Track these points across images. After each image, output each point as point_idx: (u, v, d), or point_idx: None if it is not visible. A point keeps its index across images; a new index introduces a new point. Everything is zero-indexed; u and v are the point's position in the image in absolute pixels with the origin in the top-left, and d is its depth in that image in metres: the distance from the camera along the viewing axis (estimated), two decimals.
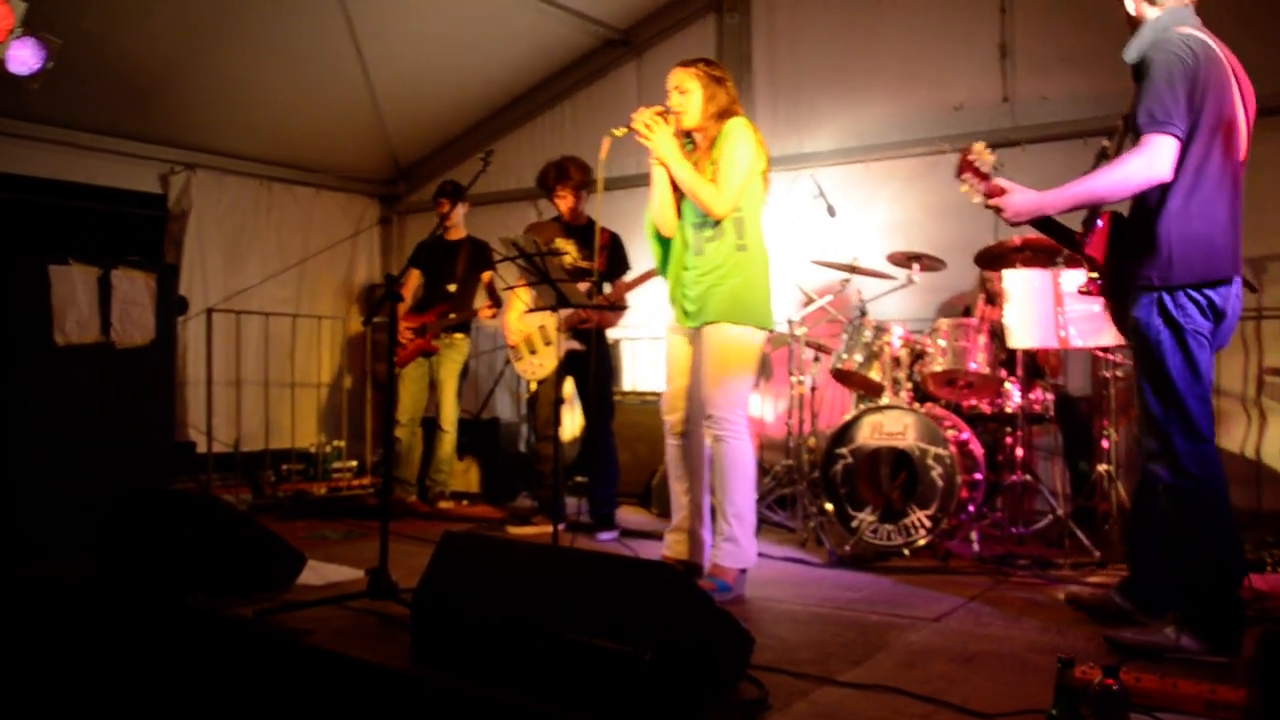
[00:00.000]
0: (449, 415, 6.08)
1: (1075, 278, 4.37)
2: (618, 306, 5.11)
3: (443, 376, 6.07)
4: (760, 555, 4.45)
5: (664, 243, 4.01)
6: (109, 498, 4.22)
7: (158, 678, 3.18)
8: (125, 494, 4.21)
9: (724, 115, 3.80)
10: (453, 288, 6.01)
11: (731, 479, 3.74)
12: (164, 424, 5.39)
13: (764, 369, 5.79)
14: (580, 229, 5.28)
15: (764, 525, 5.27)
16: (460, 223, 6.17)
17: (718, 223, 3.77)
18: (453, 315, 5.97)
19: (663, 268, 4.04)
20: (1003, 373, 4.72)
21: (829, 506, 4.73)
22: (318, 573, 4.08)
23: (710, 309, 3.76)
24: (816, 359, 5.39)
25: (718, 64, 3.95)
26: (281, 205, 7.68)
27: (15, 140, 6.16)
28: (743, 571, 3.81)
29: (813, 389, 5.34)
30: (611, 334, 5.79)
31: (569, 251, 5.19)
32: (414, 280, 6.17)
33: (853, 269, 5.27)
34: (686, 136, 3.92)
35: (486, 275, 6.06)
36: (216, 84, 6.56)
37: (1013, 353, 4.64)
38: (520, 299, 5.22)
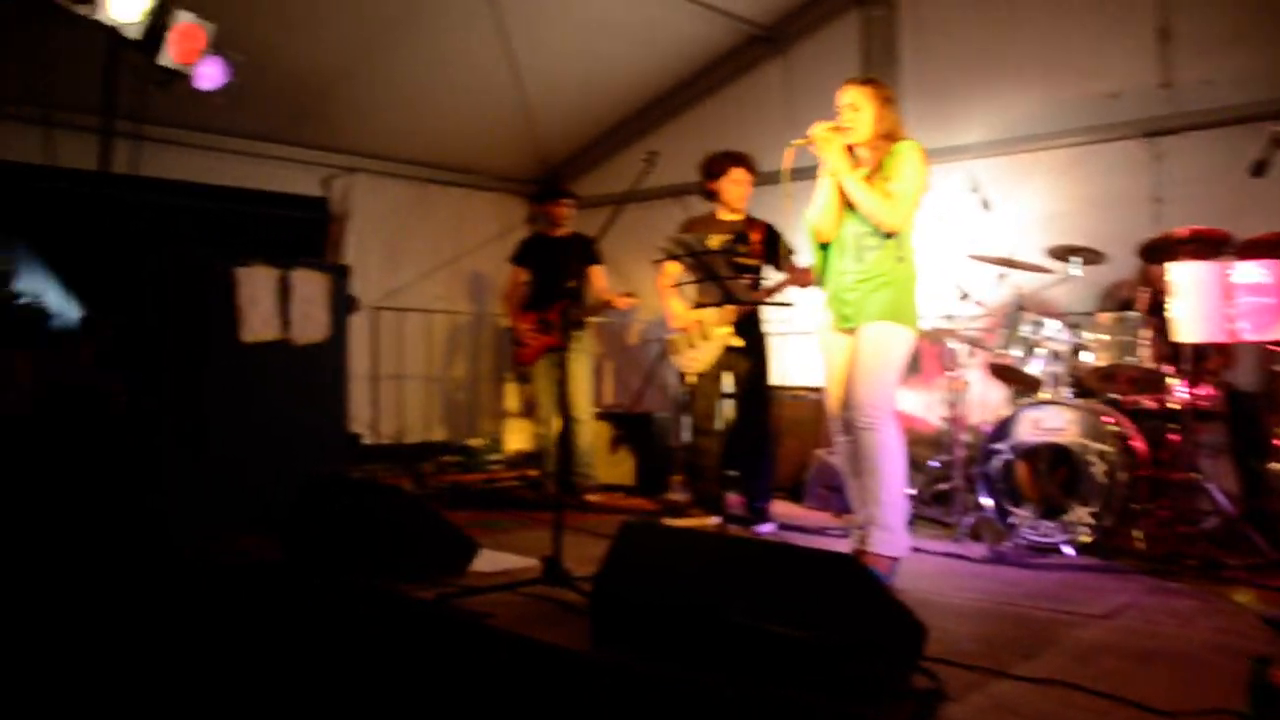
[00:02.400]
0: (582, 406, 6.21)
1: (1248, 269, 4.26)
2: (782, 303, 5.16)
3: (572, 369, 6.19)
4: (917, 549, 4.48)
5: (823, 249, 4.14)
6: (292, 484, 4.50)
7: (344, 655, 3.40)
8: (310, 480, 4.48)
9: (890, 136, 3.98)
10: (572, 283, 6.12)
11: (883, 468, 3.86)
12: (338, 416, 5.69)
13: (913, 365, 5.77)
14: (735, 226, 5.35)
15: (918, 521, 5.27)
16: (568, 219, 6.30)
17: (885, 234, 3.90)
18: (581, 309, 6.09)
19: (821, 273, 4.16)
20: (1167, 367, 4.62)
21: (986, 502, 4.71)
22: (489, 560, 4.26)
23: (869, 311, 3.93)
24: (972, 354, 5.35)
25: (888, 86, 4.12)
26: (435, 206, 8.00)
27: (200, 151, 6.59)
28: (895, 560, 3.89)
29: (967, 384, 5.31)
30: (765, 328, 5.84)
31: (724, 247, 5.25)
32: (520, 277, 6.34)
33: (1009, 263, 5.22)
34: (850, 152, 4.04)
35: (596, 269, 6.17)
36: (376, 91, 6.87)
37: (1177, 347, 4.53)
38: (680, 292, 5.31)
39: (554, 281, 6.11)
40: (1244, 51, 5.49)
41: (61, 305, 6.65)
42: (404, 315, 7.40)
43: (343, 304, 5.59)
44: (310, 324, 5.36)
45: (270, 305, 5.21)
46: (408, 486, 6.53)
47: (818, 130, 3.96)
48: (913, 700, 2.58)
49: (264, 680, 3.31)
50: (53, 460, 5.03)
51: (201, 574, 4.24)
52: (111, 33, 4.47)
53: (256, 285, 5.17)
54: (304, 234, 7.42)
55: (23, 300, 6.76)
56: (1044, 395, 4.74)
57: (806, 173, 4.24)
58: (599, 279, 6.18)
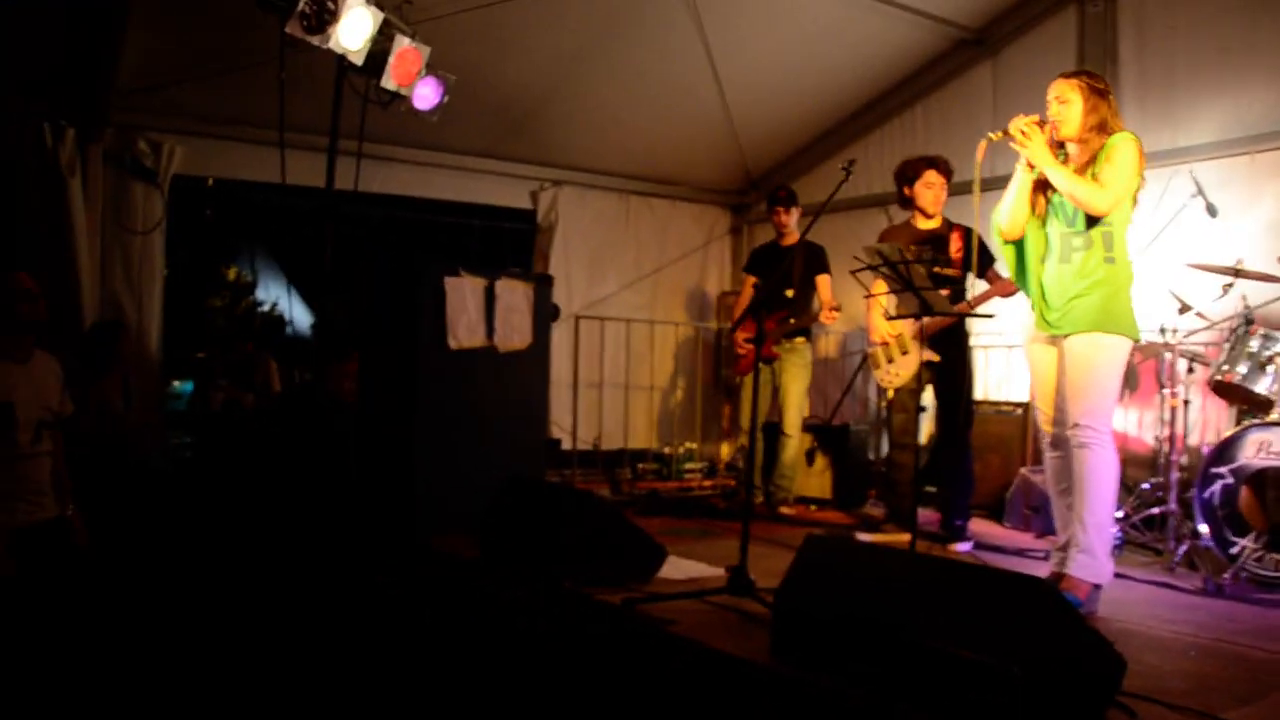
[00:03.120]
0: (793, 420, 6.15)
1: None
2: (984, 314, 5.00)
3: (785, 382, 6.16)
4: (1123, 577, 4.26)
5: (1017, 248, 3.99)
6: (494, 485, 4.68)
7: (529, 654, 3.51)
8: (509, 482, 4.66)
9: (1103, 128, 3.78)
10: (790, 293, 6.07)
11: (1093, 488, 3.66)
12: (539, 421, 5.89)
13: (1129, 380, 5.46)
14: (933, 234, 5.22)
15: (1128, 545, 4.99)
16: (795, 227, 6.25)
17: (1088, 231, 3.74)
18: (793, 320, 6.04)
19: (1019, 276, 4.01)
20: None
21: (1204, 529, 4.40)
22: (677, 567, 4.31)
23: (1077, 318, 3.74)
24: (1191, 370, 5.02)
25: (1101, 77, 3.91)
26: (639, 217, 8.16)
27: (414, 166, 6.97)
28: (1097, 587, 3.70)
29: (1186, 402, 4.98)
30: (970, 342, 5.66)
31: (922, 258, 5.13)
32: (749, 287, 6.33)
33: (1237, 272, 4.86)
34: (1059, 147, 3.88)
35: (823, 278, 6.10)
36: (583, 106, 7.08)
37: None
38: (880, 304, 5.23)
39: (777, 290, 6.08)
40: None
41: (296, 313, 7.15)
42: (605, 324, 7.58)
43: (545, 312, 5.78)
44: (513, 332, 5.57)
45: (476, 314, 5.44)
46: (603, 492, 6.68)
47: (1017, 123, 3.80)
48: None
49: (449, 673, 3.46)
50: (293, 453, 5.45)
51: (402, 570, 4.47)
52: (340, 59, 4.78)
53: (463, 294, 5.40)
54: (513, 244, 7.76)
55: (264, 308, 7.28)
56: (1274, 416, 4.39)
57: (1001, 181, 4.10)
58: (824, 289, 6.11)
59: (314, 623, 3.77)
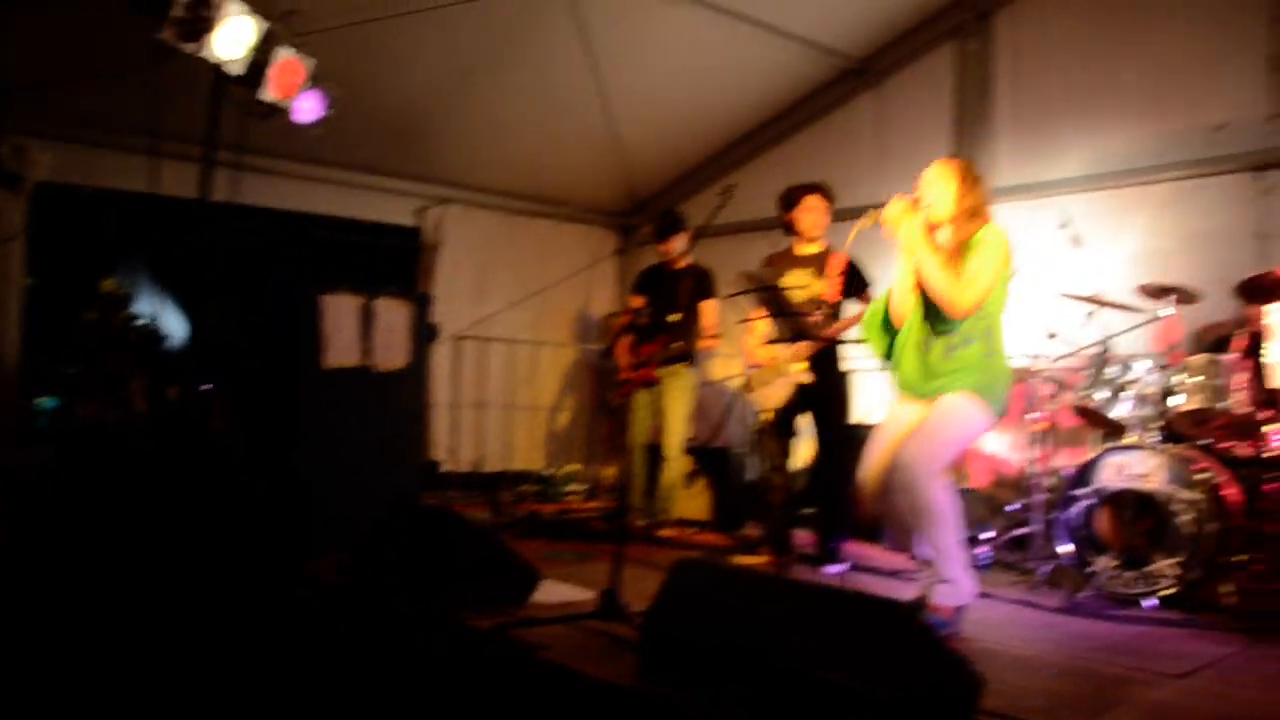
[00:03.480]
0: (673, 444, 6.16)
1: None
2: (844, 334, 5.10)
3: (666, 405, 6.16)
4: (989, 596, 4.36)
5: (891, 333, 4.03)
6: (370, 506, 4.58)
7: (399, 679, 3.43)
8: (384, 506, 4.56)
9: (974, 214, 3.84)
10: (675, 317, 6.08)
11: (933, 524, 3.71)
12: (418, 442, 5.79)
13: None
14: (814, 259, 5.29)
15: (995, 566, 5.11)
16: (683, 252, 6.27)
17: (969, 328, 3.78)
18: (675, 345, 6.06)
19: (886, 357, 4.06)
20: (1264, 413, 4.41)
21: (1065, 549, 4.54)
22: (552, 591, 4.26)
23: (958, 383, 3.79)
24: (1056, 395, 5.19)
25: (972, 164, 4.04)
26: (524, 236, 8.13)
27: (297, 180, 6.81)
28: (960, 609, 3.76)
29: (1050, 427, 5.14)
30: (846, 366, 5.75)
31: (806, 284, 5.20)
32: (634, 305, 6.33)
33: (1098, 301, 5.06)
34: (931, 232, 3.92)
35: (708, 303, 6.13)
36: (470, 124, 7.03)
37: (1274, 392, 4.32)
38: (757, 328, 5.28)
39: (661, 314, 6.07)
40: None
41: (172, 327, 6.94)
42: (488, 344, 7.50)
43: (425, 332, 5.69)
44: (392, 351, 5.47)
45: (353, 332, 5.33)
46: (484, 514, 6.59)
47: (891, 209, 3.85)
48: None
49: (316, 696, 3.37)
50: (157, 475, 5.25)
51: (273, 593, 4.33)
52: (216, 69, 4.65)
53: (341, 312, 5.30)
54: (396, 263, 7.63)
55: (139, 322, 7.06)
56: (1130, 439, 4.56)
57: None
58: (708, 314, 6.12)
59: (168, 651, 3.63)
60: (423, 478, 6.02)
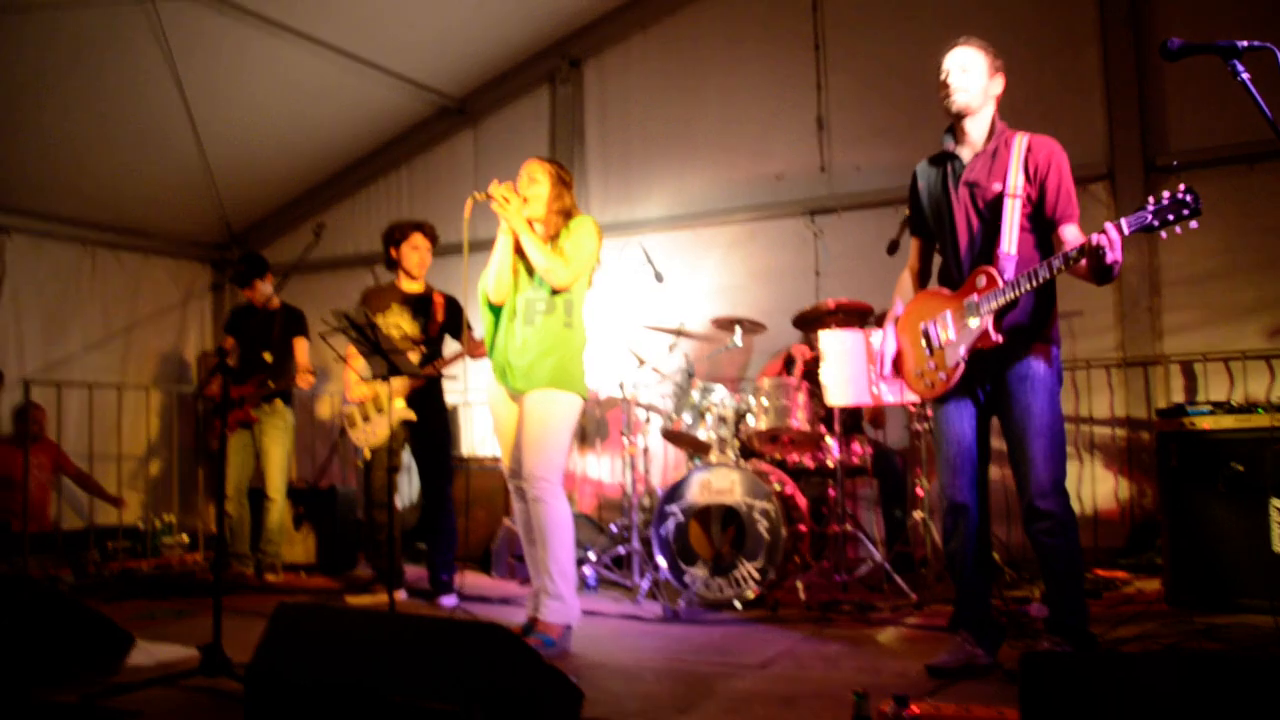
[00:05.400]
0: (276, 484, 5.97)
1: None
2: (445, 376, 5.19)
3: (266, 445, 5.96)
4: (595, 613, 4.61)
5: (495, 311, 4.18)
6: None
7: None
8: None
9: (566, 214, 4.12)
10: (268, 356, 5.89)
11: (552, 538, 3.91)
12: None
13: (598, 429, 5.95)
14: (417, 297, 5.32)
15: (601, 583, 5.39)
16: (270, 292, 6.06)
17: (551, 296, 4.01)
18: (271, 384, 5.88)
19: (492, 337, 4.19)
20: (822, 428, 4.99)
21: (662, 563, 4.88)
22: (148, 653, 3.96)
23: (536, 377, 3.98)
24: (649, 420, 5.56)
25: (567, 169, 4.27)
26: (106, 271, 7.49)
27: None
28: (568, 628, 3.93)
29: (645, 449, 5.50)
30: (450, 399, 5.82)
31: (402, 324, 5.22)
32: (230, 347, 6.07)
33: (679, 333, 5.50)
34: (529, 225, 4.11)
35: (300, 341, 6.01)
36: (37, 143, 6.37)
37: (832, 409, 4.91)
38: (354, 368, 5.23)
39: (254, 353, 5.87)
40: (886, 143, 6.11)
41: None
42: (63, 389, 6.81)
43: None
44: None
45: None
46: (68, 576, 5.98)
47: (498, 190, 4.01)
48: None
49: None
50: None
51: None
52: None
53: None
54: None
55: None
56: (713, 458, 4.99)
57: (485, 244, 4.29)
58: (301, 353, 5.96)
59: None
60: None
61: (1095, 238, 2.98)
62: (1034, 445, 3.26)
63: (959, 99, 3.37)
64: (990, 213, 3.34)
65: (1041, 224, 3.34)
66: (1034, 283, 3.15)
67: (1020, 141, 3.36)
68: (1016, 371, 3.31)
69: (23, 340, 6.85)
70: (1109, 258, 2.97)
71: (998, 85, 3.42)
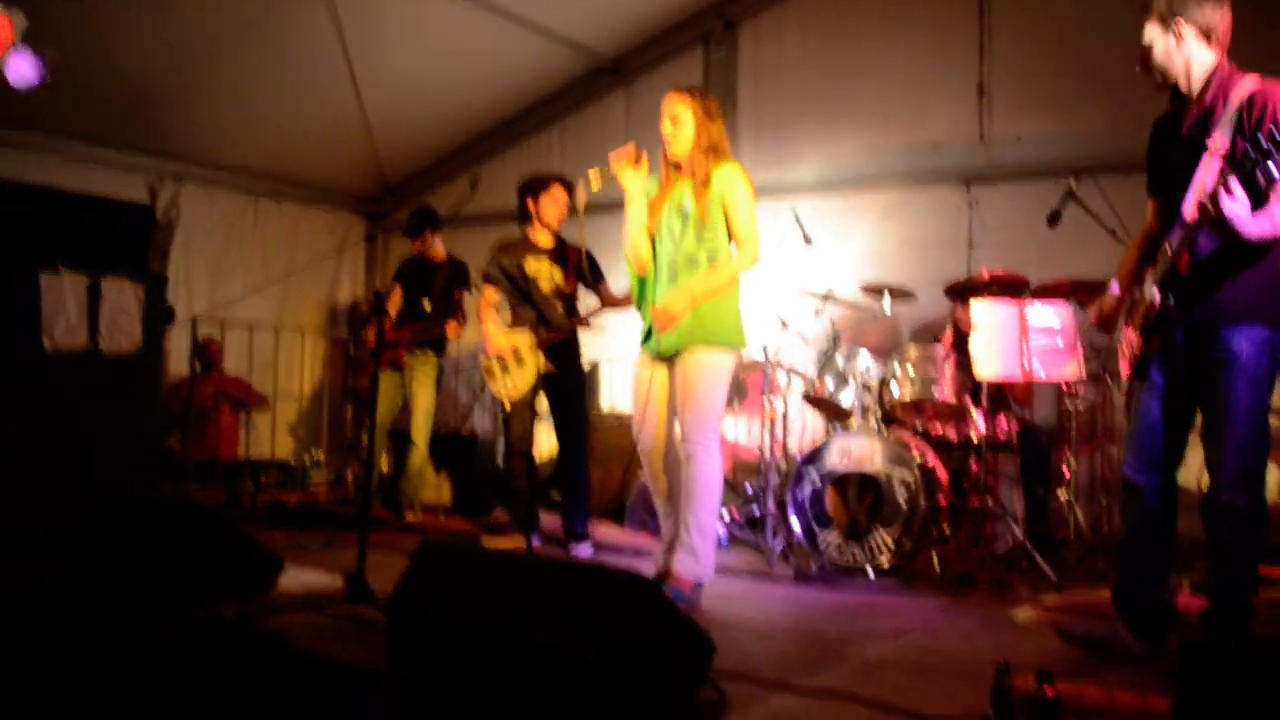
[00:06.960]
0: (420, 429, 6.17)
1: (1041, 312, 4.54)
2: (586, 323, 5.24)
3: (414, 390, 6.17)
4: (728, 572, 4.61)
5: (640, 279, 4.16)
6: (93, 501, 4.29)
7: (135, 677, 3.26)
8: (99, 504, 4.27)
9: (712, 150, 3.94)
10: (428, 305, 6.09)
11: (698, 495, 3.88)
12: (149, 431, 5.46)
13: (738, 390, 5.92)
14: (553, 250, 5.37)
15: (734, 543, 5.39)
16: (439, 245, 6.27)
17: (694, 253, 3.93)
18: (425, 331, 6.06)
19: (639, 300, 4.17)
20: (968, 401, 4.87)
21: (796, 525, 4.86)
22: (296, 579, 4.16)
23: (685, 334, 3.92)
24: (789, 384, 5.52)
25: (713, 98, 4.07)
26: (268, 220, 7.81)
27: (15, 150, 6.26)
28: (699, 584, 3.93)
29: (785, 413, 5.46)
30: (589, 357, 5.88)
31: (554, 275, 5.28)
32: (398, 296, 6.28)
33: (828, 298, 5.42)
34: (675, 167, 4.03)
35: (463, 295, 6.16)
36: (209, 98, 6.69)
37: (978, 382, 4.78)
38: (495, 316, 5.31)
39: (416, 302, 6.10)
40: (1051, 113, 5.87)
41: None
42: (226, 329, 7.17)
43: (158, 314, 5.39)
44: (121, 334, 5.14)
45: (77, 314, 4.98)
46: (222, 504, 6.32)
47: (616, 163, 3.95)
48: (696, 714, 2.64)
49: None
50: None
51: None
52: None
53: (62, 292, 4.94)
54: (126, 241, 7.13)
55: None
56: (854, 424, 4.92)
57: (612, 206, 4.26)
58: (462, 305, 6.15)
59: None
60: (156, 468, 5.69)
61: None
62: (1226, 431, 2.97)
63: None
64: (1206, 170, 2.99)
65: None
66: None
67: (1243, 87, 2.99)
68: (1217, 350, 2.99)
69: (191, 282, 7.22)
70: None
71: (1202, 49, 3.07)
